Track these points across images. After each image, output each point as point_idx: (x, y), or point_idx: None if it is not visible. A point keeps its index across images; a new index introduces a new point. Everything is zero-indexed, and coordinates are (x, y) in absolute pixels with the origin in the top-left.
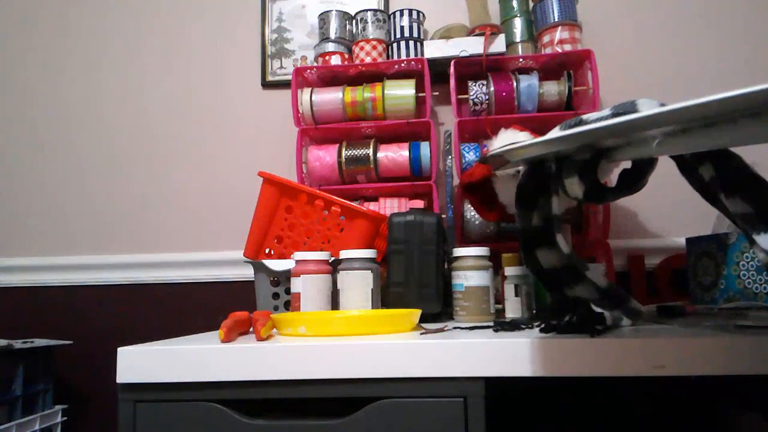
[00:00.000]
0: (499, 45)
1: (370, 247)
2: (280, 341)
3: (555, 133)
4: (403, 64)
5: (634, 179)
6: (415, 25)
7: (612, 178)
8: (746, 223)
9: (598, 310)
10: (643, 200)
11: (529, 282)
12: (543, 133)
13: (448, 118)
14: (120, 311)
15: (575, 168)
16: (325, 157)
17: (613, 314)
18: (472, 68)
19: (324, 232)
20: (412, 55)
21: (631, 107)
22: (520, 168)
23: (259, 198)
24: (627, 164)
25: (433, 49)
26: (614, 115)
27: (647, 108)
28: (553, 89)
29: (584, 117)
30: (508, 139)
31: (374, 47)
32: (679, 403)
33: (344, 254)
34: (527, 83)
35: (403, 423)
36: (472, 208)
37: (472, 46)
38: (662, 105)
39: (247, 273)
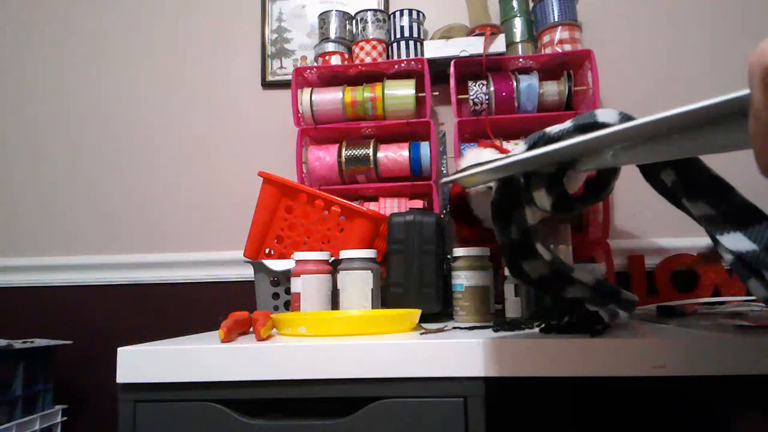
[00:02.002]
0: (499, 45)
1: (370, 247)
2: (280, 341)
3: (517, 150)
4: (403, 64)
5: (599, 188)
6: (415, 25)
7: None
8: (710, 225)
9: (593, 308)
10: (643, 200)
11: None
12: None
13: (448, 118)
14: (120, 311)
15: (542, 181)
16: (325, 157)
17: (608, 309)
18: (472, 68)
19: (324, 232)
20: (412, 55)
21: (590, 118)
22: (492, 184)
23: (259, 198)
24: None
25: (433, 49)
26: (575, 127)
27: (606, 117)
28: (553, 89)
29: (547, 130)
30: (473, 158)
31: (374, 47)
32: (679, 402)
33: (344, 254)
34: (527, 83)
35: (403, 423)
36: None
37: (472, 46)
38: (621, 114)
39: (247, 273)
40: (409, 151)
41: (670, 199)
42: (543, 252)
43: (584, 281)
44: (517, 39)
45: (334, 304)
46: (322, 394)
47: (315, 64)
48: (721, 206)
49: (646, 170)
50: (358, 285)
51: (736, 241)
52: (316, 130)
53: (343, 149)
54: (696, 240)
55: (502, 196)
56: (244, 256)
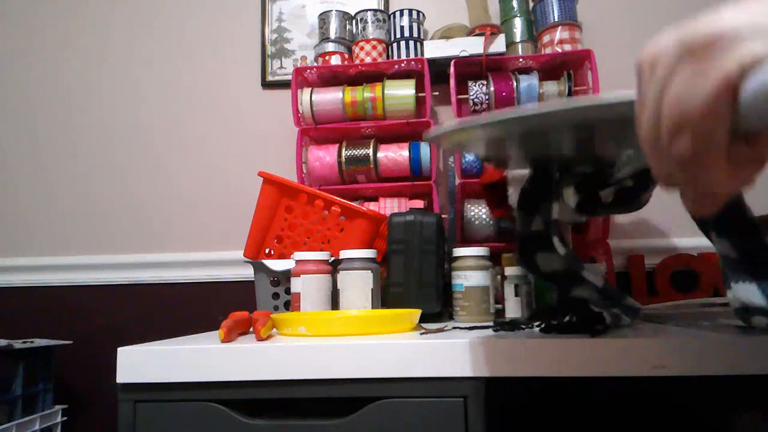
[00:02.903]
0: (499, 45)
1: (370, 247)
2: (280, 341)
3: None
4: (403, 64)
5: (629, 198)
6: (415, 25)
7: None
8: (729, 268)
9: (597, 309)
10: None
11: (529, 282)
12: None
13: (448, 118)
14: (120, 311)
15: (573, 180)
16: (325, 157)
17: (612, 312)
18: (472, 68)
19: (324, 232)
20: (412, 55)
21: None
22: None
23: (259, 198)
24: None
25: (433, 49)
26: None
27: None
28: (553, 89)
29: None
30: None
31: (374, 47)
32: (679, 402)
33: (344, 254)
34: (527, 83)
35: (403, 423)
36: (474, 207)
37: (472, 46)
38: None
39: (247, 273)
40: (409, 151)
41: (701, 227)
42: (559, 247)
43: (593, 282)
44: (517, 39)
45: (334, 304)
46: (322, 394)
47: (315, 64)
48: (743, 251)
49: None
50: (358, 285)
51: (748, 293)
52: (316, 130)
53: (343, 149)
54: (696, 240)
55: (533, 186)
56: (244, 256)
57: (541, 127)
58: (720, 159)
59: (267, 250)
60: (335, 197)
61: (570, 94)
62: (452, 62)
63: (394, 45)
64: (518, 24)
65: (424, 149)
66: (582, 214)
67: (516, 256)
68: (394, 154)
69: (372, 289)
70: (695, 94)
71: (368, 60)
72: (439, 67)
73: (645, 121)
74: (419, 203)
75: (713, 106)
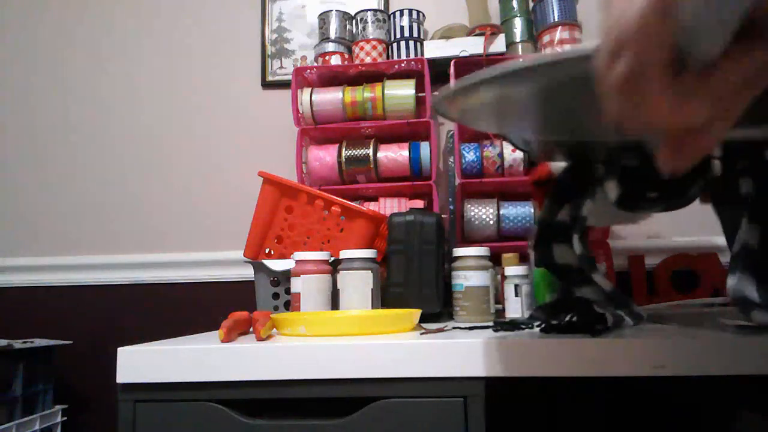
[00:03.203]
0: (499, 45)
1: (370, 247)
2: (280, 341)
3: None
4: (403, 64)
5: (675, 194)
6: (415, 25)
7: None
8: (742, 257)
9: (600, 310)
10: None
11: (529, 282)
12: None
13: None
14: (120, 311)
15: (617, 172)
16: (325, 157)
17: (615, 313)
18: (472, 68)
19: (324, 232)
20: (412, 55)
21: None
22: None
23: (259, 198)
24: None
25: (433, 49)
26: None
27: None
28: None
29: None
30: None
31: (374, 47)
32: (679, 402)
33: (344, 254)
34: None
35: (403, 423)
36: (474, 207)
37: (472, 46)
38: None
39: (247, 273)
40: (409, 151)
41: (721, 204)
42: (576, 247)
43: (601, 286)
44: (517, 39)
45: (334, 304)
46: (322, 394)
47: (315, 64)
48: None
49: (726, 168)
50: (358, 285)
51: (746, 289)
52: (316, 130)
53: (343, 149)
54: (696, 240)
55: (569, 178)
56: (244, 256)
57: (554, 83)
58: (658, 82)
59: (267, 250)
60: (335, 197)
61: None
62: (452, 62)
63: (394, 45)
64: (518, 24)
65: (424, 149)
66: (623, 208)
67: (532, 243)
68: (394, 154)
69: (372, 289)
70: (630, 7)
71: (368, 60)
72: (439, 67)
73: (598, 49)
74: (419, 203)
75: (646, 17)
